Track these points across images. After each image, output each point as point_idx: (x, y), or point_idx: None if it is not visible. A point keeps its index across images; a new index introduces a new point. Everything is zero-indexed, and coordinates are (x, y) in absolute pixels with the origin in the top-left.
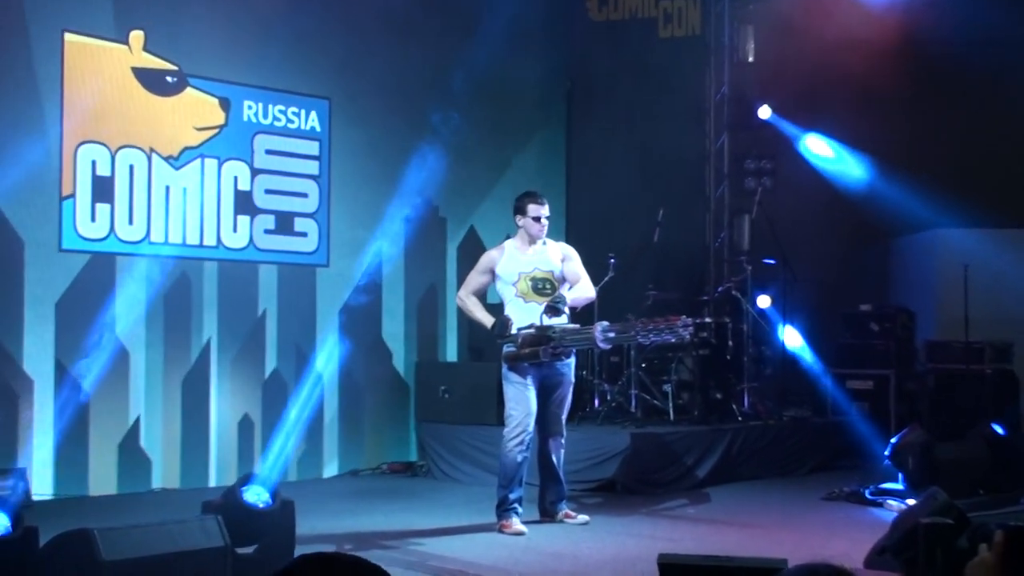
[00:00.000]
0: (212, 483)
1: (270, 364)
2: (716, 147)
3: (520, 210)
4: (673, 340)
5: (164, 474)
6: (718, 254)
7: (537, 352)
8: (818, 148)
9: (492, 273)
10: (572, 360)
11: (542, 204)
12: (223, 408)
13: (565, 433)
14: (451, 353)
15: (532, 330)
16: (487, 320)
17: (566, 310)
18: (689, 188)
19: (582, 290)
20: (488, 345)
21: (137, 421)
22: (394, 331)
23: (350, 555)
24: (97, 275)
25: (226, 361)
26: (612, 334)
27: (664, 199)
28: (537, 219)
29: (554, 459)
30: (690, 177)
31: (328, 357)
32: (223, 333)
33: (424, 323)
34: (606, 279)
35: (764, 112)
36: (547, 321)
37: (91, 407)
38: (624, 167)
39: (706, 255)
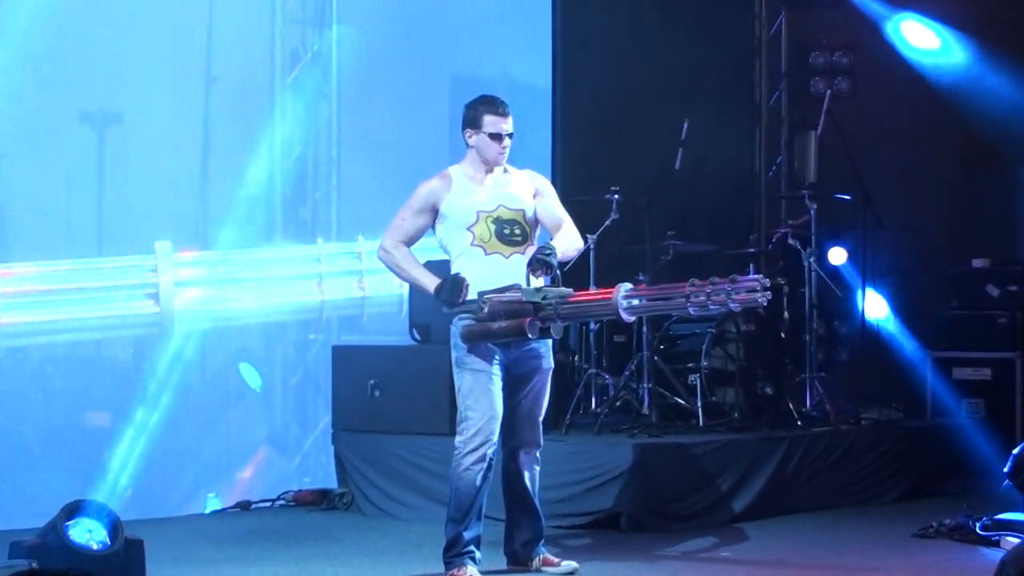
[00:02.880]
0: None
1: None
2: (770, 33)
3: (472, 122)
4: (738, 308)
5: None
6: (771, 187)
7: (522, 326)
8: (916, 35)
9: (434, 212)
10: (549, 339)
11: (504, 116)
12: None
13: (543, 444)
14: (385, 327)
15: (511, 294)
16: (429, 281)
17: (556, 263)
18: (729, 91)
19: (568, 238)
20: (438, 319)
21: None
22: None
23: None
24: None
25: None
26: (640, 301)
27: (692, 106)
28: (497, 137)
29: (527, 481)
30: (731, 76)
31: (187, 337)
32: None
33: None
34: (606, 224)
35: None
36: (535, 282)
37: None
38: (635, 57)
39: (753, 189)
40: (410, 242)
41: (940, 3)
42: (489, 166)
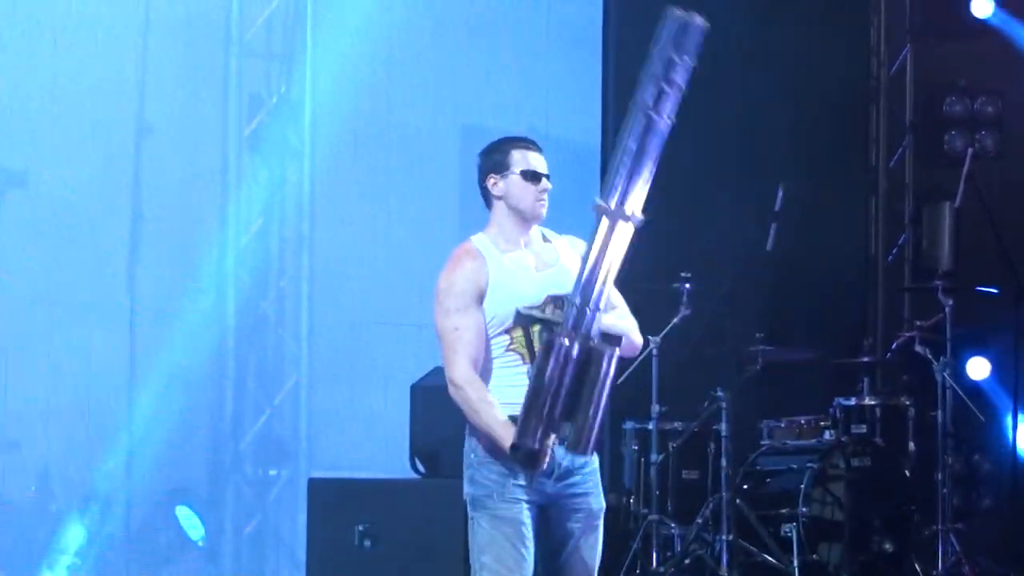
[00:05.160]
0: None
1: None
2: (891, 72)
3: (495, 166)
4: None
5: None
6: (891, 276)
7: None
8: None
9: (481, 301)
10: (595, 463)
11: (537, 150)
12: None
13: None
14: (377, 463)
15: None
16: (506, 434)
17: None
18: (837, 149)
19: (623, 321)
20: (448, 445)
21: None
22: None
23: None
24: None
25: None
26: None
27: (789, 170)
28: (533, 176)
29: None
30: (839, 130)
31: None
32: None
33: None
34: (675, 321)
35: (982, 6)
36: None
37: None
38: (714, 106)
39: (868, 277)
40: (478, 359)
41: None
42: (527, 225)
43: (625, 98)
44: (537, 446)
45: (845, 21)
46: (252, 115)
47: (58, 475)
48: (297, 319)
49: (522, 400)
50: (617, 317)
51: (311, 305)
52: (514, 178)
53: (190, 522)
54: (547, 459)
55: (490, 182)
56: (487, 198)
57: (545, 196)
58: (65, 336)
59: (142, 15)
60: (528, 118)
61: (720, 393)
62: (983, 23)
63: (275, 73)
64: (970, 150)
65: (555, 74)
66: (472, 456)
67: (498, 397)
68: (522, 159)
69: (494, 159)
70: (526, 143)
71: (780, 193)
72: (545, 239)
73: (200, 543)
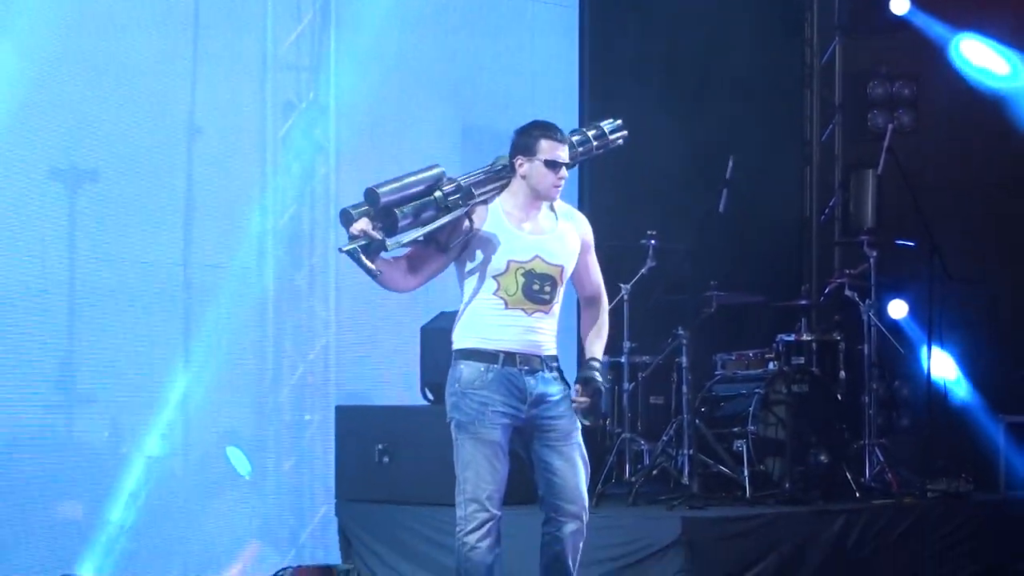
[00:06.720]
0: None
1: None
2: (822, 62)
3: (525, 149)
4: None
5: None
6: (824, 233)
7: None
8: (988, 61)
9: (462, 243)
10: (561, 384)
11: (562, 143)
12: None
13: (588, 513)
14: (393, 392)
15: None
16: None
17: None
18: (778, 127)
19: (602, 339)
20: None
21: None
22: None
23: None
24: None
25: None
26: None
27: (737, 143)
28: (554, 165)
29: (570, 561)
30: (780, 109)
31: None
32: None
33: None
34: (642, 272)
35: (900, 4)
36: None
37: None
38: (673, 88)
39: (804, 234)
40: (416, 272)
41: (1012, 22)
42: (538, 201)
43: (599, 86)
44: (355, 215)
45: (784, 19)
46: (285, 118)
47: (126, 421)
48: (326, 290)
49: (501, 336)
50: (598, 328)
51: (337, 278)
52: (538, 163)
53: (238, 460)
54: (356, 228)
55: (517, 161)
56: (513, 169)
57: (561, 182)
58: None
59: (191, 36)
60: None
61: (681, 331)
62: (901, 19)
63: (304, 82)
64: (890, 126)
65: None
66: (456, 386)
67: (482, 333)
68: (548, 148)
69: (524, 142)
70: (553, 135)
71: (731, 163)
72: (551, 210)
73: (247, 477)
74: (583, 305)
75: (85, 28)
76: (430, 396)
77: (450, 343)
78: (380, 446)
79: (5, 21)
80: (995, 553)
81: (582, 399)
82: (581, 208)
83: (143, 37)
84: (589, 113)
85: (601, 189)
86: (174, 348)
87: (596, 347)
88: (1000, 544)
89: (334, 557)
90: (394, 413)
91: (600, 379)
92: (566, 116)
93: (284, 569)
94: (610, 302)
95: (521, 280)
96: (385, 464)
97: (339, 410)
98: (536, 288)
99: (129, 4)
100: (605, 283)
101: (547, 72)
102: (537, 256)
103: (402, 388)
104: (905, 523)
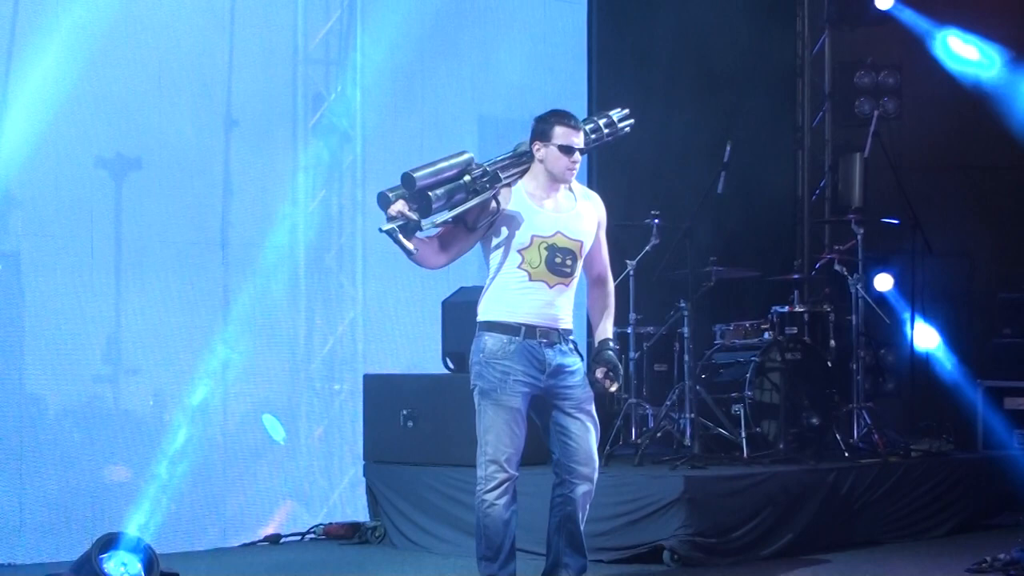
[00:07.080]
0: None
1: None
2: (812, 52)
3: (542, 135)
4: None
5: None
6: (815, 212)
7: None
8: (966, 52)
9: (488, 223)
10: (576, 356)
11: (576, 130)
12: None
13: (597, 474)
14: (418, 361)
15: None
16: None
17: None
18: (772, 113)
19: (611, 320)
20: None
21: None
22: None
23: None
24: None
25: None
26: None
27: (734, 129)
28: (568, 150)
29: (579, 520)
30: (773, 97)
31: (223, 367)
32: None
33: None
34: (646, 249)
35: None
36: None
37: None
38: (674, 78)
39: (797, 213)
40: (449, 250)
41: (992, 18)
42: (556, 183)
43: (606, 77)
44: (392, 197)
45: (777, 14)
46: (315, 109)
47: (169, 390)
48: (353, 268)
49: (525, 308)
50: (607, 315)
51: (364, 257)
52: (553, 148)
53: (273, 426)
54: (394, 210)
55: (535, 146)
56: (532, 154)
57: (576, 165)
58: (169, 296)
59: (228, 34)
60: (535, 98)
61: (682, 304)
62: (886, 13)
63: (332, 76)
64: (876, 113)
65: (550, 58)
66: (480, 355)
67: (506, 306)
68: (563, 135)
69: (542, 128)
70: (568, 122)
71: (728, 147)
72: (570, 191)
73: (281, 443)
74: (591, 285)
75: (128, 27)
76: (451, 365)
77: (470, 316)
78: (405, 412)
79: (52, 21)
80: (973, 507)
81: (612, 386)
82: (590, 185)
83: (183, 35)
84: (598, 102)
85: (609, 173)
86: (213, 323)
87: (608, 327)
88: (978, 499)
89: (362, 515)
90: (417, 381)
91: (618, 361)
92: (576, 105)
93: (316, 526)
94: (617, 278)
95: (544, 253)
96: (409, 428)
97: (367, 379)
98: (558, 261)
99: (170, 4)
100: (612, 260)
101: (558, 64)
102: (559, 232)
103: (425, 358)
104: (891, 480)
